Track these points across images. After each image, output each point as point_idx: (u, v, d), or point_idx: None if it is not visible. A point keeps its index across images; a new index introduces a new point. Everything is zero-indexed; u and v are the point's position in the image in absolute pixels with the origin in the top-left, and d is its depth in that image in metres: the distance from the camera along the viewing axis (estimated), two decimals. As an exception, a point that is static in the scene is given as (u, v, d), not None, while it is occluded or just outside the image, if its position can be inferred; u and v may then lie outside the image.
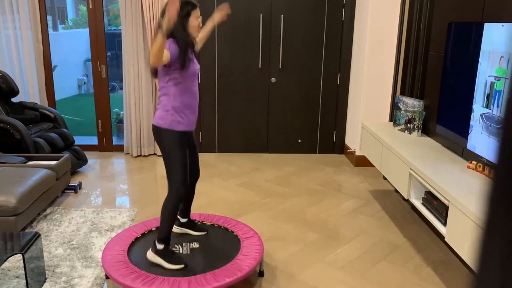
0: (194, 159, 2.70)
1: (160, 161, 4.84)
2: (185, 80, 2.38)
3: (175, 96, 2.39)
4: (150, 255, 2.54)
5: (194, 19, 2.35)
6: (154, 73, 2.46)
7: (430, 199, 2.62)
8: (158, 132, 2.43)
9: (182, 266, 2.50)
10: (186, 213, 2.87)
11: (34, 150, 4.00)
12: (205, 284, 2.29)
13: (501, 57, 2.33)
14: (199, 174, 2.78)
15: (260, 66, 4.93)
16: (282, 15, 4.80)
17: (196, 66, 2.45)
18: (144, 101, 4.82)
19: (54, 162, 3.67)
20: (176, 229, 2.86)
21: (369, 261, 2.86)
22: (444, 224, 2.41)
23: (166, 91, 2.40)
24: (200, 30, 2.46)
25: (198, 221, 3.03)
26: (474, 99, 2.59)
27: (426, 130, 3.48)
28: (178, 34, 2.30)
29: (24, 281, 2.44)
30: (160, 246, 2.51)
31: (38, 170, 3.40)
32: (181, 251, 2.69)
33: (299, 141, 5.16)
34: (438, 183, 2.41)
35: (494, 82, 2.39)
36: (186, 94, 2.41)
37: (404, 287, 2.59)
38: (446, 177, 2.50)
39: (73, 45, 10.01)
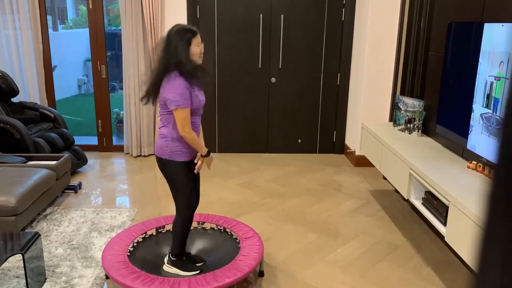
0: (196, 187, 2.58)
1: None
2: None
3: (174, 127, 2.32)
4: (167, 267, 2.57)
5: (196, 47, 2.30)
6: (148, 98, 2.40)
7: (430, 199, 2.62)
8: (161, 162, 2.39)
9: (198, 272, 2.54)
10: None
11: (34, 150, 4.00)
12: (205, 284, 2.28)
13: (501, 62, 2.33)
14: (198, 201, 2.63)
15: (260, 66, 4.93)
16: (282, 15, 4.80)
17: (201, 98, 2.38)
18: (144, 101, 4.82)
19: (54, 162, 3.67)
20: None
21: (369, 261, 2.86)
22: (444, 224, 2.41)
23: (167, 121, 2.35)
24: (202, 57, 2.38)
25: (198, 221, 3.03)
26: (474, 99, 2.59)
27: (426, 130, 3.48)
28: (183, 67, 2.25)
29: (24, 281, 2.44)
30: (174, 258, 2.56)
31: (38, 170, 3.40)
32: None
33: (299, 141, 5.16)
34: (438, 183, 2.41)
35: (494, 82, 2.39)
36: None
37: (404, 287, 2.59)
38: (446, 177, 2.50)
39: (73, 45, 10.00)
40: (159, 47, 2.39)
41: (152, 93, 2.39)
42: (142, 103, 2.47)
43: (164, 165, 2.39)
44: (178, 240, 2.53)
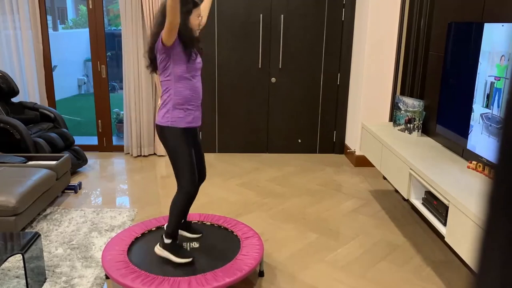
0: (199, 159, 2.62)
1: (160, 161, 4.84)
2: (187, 76, 2.36)
3: (176, 92, 2.35)
4: (158, 250, 2.55)
5: (195, 17, 2.33)
6: (153, 66, 2.44)
7: (430, 199, 2.62)
8: (162, 131, 2.40)
9: (190, 259, 2.52)
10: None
11: (34, 150, 4.00)
12: (205, 284, 2.29)
13: (502, 56, 2.33)
14: (205, 175, 2.69)
15: (260, 66, 4.93)
16: (282, 15, 4.80)
17: (198, 61, 2.42)
18: (144, 101, 4.83)
19: (54, 162, 3.67)
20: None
21: (369, 261, 2.86)
22: (444, 224, 2.41)
23: (167, 86, 2.37)
24: (200, 29, 2.44)
25: (198, 221, 3.03)
26: (474, 99, 2.59)
27: (426, 130, 3.48)
28: (182, 31, 2.28)
29: (24, 281, 2.44)
30: (167, 241, 2.53)
31: (38, 170, 3.40)
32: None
33: (299, 141, 5.16)
34: (438, 183, 2.41)
35: (494, 82, 2.39)
36: (188, 89, 2.37)
37: (404, 287, 2.59)
38: (446, 177, 2.50)
39: (73, 45, 10.01)
40: (157, 11, 2.40)
41: (153, 58, 2.41)
42: (149, 71, 2.49)
43: (165, 133, 2.39)
44: (175, 219, 2.49)
